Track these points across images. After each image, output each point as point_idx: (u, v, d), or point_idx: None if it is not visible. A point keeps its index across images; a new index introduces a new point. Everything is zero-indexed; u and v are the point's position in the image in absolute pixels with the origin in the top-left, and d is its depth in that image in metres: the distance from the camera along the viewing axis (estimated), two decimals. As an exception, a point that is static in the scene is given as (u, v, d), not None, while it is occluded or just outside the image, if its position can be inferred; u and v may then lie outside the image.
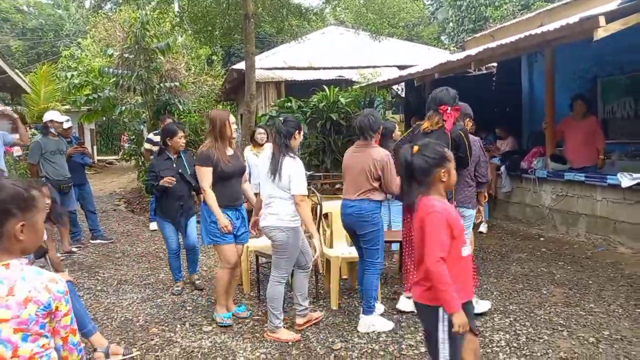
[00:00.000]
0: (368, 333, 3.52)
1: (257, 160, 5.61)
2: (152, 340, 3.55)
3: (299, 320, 3.64)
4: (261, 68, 11.58)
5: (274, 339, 3.47)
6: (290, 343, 3.41)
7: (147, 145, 7.77)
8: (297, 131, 3.51)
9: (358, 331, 3.56)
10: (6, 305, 1.41)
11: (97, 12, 19.58)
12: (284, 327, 3.56)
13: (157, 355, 3.31)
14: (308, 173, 7.85)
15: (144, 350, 3.37)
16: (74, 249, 5.98)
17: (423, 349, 3.26)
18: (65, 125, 6.45)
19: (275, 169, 3.41)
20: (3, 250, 1.45)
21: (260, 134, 6.09)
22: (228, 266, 3.74)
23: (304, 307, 3.64)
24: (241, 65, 12.90)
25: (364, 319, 3.60)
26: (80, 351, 1.54)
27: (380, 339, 3.45)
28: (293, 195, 3.37)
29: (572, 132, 6.09)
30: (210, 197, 3.66)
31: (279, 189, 3.42)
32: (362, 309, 3.65)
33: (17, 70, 14.79)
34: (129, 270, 5.30)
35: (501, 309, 3.90)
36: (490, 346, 3.28)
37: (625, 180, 5.04)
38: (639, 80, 6.69)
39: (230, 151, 3.80)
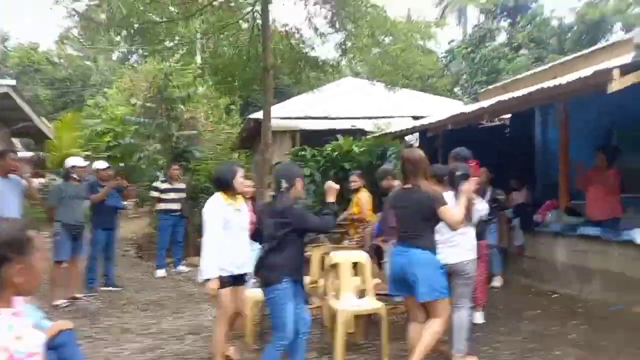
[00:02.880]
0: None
1: (237, 216, 3.77)
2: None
3: None
4: (278, 117, 11.85)
5: None
6: None
7: (153, 193, 7.98)
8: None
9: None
10: None
11: (123, 63, 20.57)
12: None
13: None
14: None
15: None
16: (79, 295, 5.96)
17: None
18: (102, 166, 6.73)
19: None
20: None
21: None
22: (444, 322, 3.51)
23: (463, 351, 3.71)
24: (258, 115, 13.24)
25: None
26: None
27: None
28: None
29: (594, 183, 5.96)
30: None
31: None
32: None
33: (42, 118, 15.39)
34: (133, 319, 5.26)
35: (512, 370, 3.73)
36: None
37: (641, 236, 4.88)
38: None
39: None
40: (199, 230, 9.22)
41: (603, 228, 5.57)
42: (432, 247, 3.42)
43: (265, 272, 3.28)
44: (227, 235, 3.63)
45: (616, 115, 6.89)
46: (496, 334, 4.50)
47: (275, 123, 11.00)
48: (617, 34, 17.97)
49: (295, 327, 3.19)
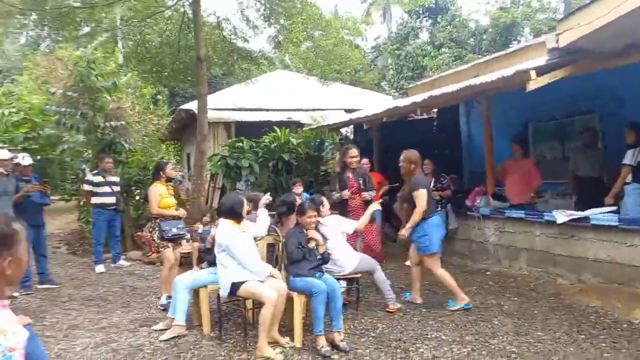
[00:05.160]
0: None
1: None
2: (113, 386, 3.39)
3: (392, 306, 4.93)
4: (211, 109, 11.65)
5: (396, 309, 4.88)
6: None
7: (86, 187, 7.59)
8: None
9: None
10: None
11: (34, 49, 18.98)
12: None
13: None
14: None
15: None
16: (16, 294, 5.57)
17: None
18: (25, 162, 6.21)
19: None
20: None
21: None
22: None
23: (393, 297, 4.99)
24: (189, 106, 12.92)
25: None
26: None
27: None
28: None
29: (511, 172, 6.58)
30: None
31: None
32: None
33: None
34: (79, 315, 5.03)
35: (458, 339, 4.08)
36: (453, 375, 3.42)
37: (561, 216, 5.49)
38: (564, 126, 7.44)
39: None
40: (135, 224, 8.92)
41: (526, 211, 6.18)
42: None
43: None
44: None
45: (530, 111, 7.64)
46: (441, 309, 4.88)
47: (209, 114, 10.82)
48: (527, 37, 19.60)
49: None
